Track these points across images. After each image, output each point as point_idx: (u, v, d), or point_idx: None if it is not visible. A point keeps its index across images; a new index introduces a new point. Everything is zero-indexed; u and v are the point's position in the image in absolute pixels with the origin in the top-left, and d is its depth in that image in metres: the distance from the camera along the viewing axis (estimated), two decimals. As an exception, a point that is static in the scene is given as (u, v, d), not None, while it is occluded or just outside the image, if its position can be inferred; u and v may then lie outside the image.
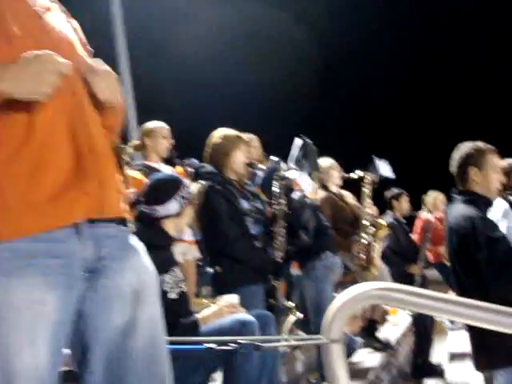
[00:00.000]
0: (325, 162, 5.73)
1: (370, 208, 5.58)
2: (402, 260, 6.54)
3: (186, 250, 4.65)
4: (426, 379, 6.37)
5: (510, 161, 4.90)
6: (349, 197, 5.91)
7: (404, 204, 6.83)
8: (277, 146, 5.51)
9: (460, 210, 3.26)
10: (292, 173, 4.43)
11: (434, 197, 8.07)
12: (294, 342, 1.77)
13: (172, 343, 2.07)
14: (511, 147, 4.77)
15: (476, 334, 3.06)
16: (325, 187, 5.69)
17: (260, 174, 4.59)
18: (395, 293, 1.65)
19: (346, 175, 5.68)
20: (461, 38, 16.49)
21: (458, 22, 16.71)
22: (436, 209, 7.97)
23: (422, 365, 6.48)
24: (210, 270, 4.19)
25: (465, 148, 3.36)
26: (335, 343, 1.67)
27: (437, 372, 6.45)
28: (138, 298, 1.52)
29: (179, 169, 5.06)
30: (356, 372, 5.01)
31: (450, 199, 3.56)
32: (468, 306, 1.60)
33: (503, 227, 3.50)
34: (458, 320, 1.71)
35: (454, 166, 3.40)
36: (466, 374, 6.11)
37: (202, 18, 15.03)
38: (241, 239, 3.73)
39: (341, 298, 1.66)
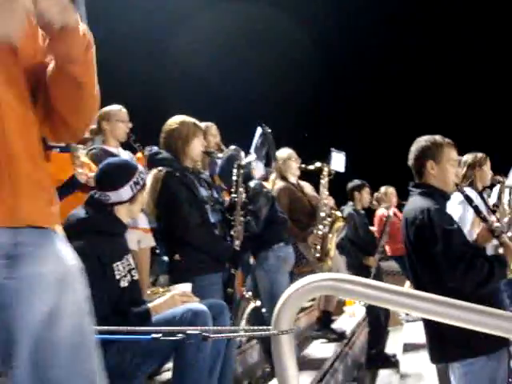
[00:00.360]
0: (283, 152, 5.72)
1: (326, 199, 5.58)
2: (359, 251, 6.57)
3: (141, 238, 4.55)
4: (380, 369, 6.45)
5: (476, 154, 4.98)
6: (307, 187, 5.88)
7: (365, 196, 6.87)
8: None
9: (416, 202, 3.26)
10: (251, 160, 4.38)
11: (384, 191, 8.12)
12: (242, 333, 1.72)
13: (119, 333, 2.01)
14: (470, 142, 4.84)
15: (431, 326, 3.07)
16: (283, 178, 5.67)
17: (219, 162, 4.52)
18: (346, 284, 1.61)
19: (304, 166, 5.68)
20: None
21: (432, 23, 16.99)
22: (390, 202, 8.03)
23: (376, 355, 6.56)
24: (165, 258, 4.12)
25: (422, 141, 3.37)
26: (284, 334, 1.63)
27: (391, 362, 6.54)
28: (62, 286, 1.45)
29: (139, 155, 4.95)
30: (311, 362, 5.03)
31: (403, 193, 3.58)
32: (419, 298, 1.57)
33: (457, 216, 3.52)
34: (408, 312, 1.69)
35: (411, 158, 3.41)
36: (420, 365, 6.21)
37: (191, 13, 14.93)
38: (201, 227, 3.65)
39: (290, 289, 1.62)
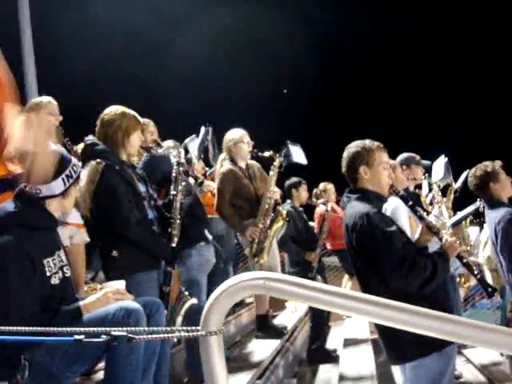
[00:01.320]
0: (235, 133, 5.49)
1: (273, 192, 5.36)
2: (300, 247, 6.59)
3: (74, 233, 4.41)
4: (320, 365, 6.48)
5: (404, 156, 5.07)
6: (258, 173, 5.57)
7: (303, 193, 6.89)
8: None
9: (355, 207, 3.28)
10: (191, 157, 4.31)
11: (323, 187, 8.15)
12: (169, 334, 1.67)
13: (41, 334, 1.92)
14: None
15: (385, 328, 3.09)
16: (232, 160, 5.46)
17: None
18: (277, 283, 1.59)
19: (256, 152, 5.41)
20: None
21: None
22: (329, 199, 8.08)
23: (317, 350, 6.59)
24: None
25: (352, 147, 3.39)
26: (213, 335, 1.59)
27: (332, 357, 6.58)
28: None
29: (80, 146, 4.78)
30: (252, 358, 5.00)
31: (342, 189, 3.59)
32: (350, 298, 1.56)
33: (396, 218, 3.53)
34: (339, 312, 1.67)
35: (344, 166, 3.43)
36: (360, 360, 6.29)
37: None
38: (141, 224, 3.54)
39: (219, 289, 1.58)
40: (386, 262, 3.08)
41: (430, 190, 6.09)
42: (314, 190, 8.26)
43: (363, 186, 3.35)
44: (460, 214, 5.70)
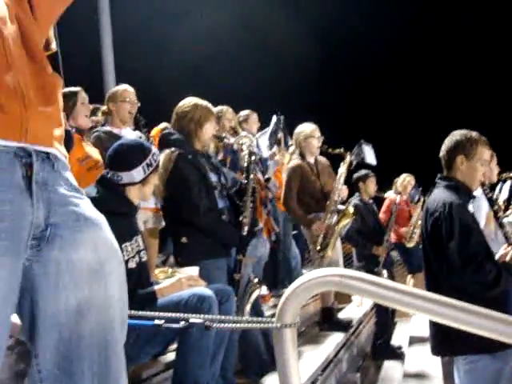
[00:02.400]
0: (307, 127, 5.50)
1: (341, 189, 5.39)
2: (367, 241, 6.53)
3: (148, 218, 4.54)
4: (385, 361, 6.44)
5: None
6: (325, 169, 5.62)
7: (370, 185, 6.79)
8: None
9: (441, 194, 3.23)
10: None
11: (403, 179, 8.11)
12: (245, 325, 1.71)
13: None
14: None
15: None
16: (301, 155, 5.49)
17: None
18: (352, 280, 1.60)
19: (327, 147, 5.47)
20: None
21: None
22: (405, 191, 8.01)
23: (382, 346, 6.54)
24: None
25: (457, 135, 3.32)
26: (288, 328, 1.62)
27: (396, 354, 6.52)
28: (94, 276, 1.37)
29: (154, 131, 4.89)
30: (316, 350, 5.02)
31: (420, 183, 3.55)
32: (425, 298, 1.55)
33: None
34: (414, 312, 1.67)
35: (443, 150, 3.36)
36: (425, 358, 6.19)
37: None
38: (210, 212, 3.63)
39: (296, 283, 1.61)
40: (457, 256, 3.02)
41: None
42: (395, 180, 8.19)
43: (455, 175, 3.29)
44: None
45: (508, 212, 5.58)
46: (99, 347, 1.38)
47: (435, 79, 17.02)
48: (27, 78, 1.34)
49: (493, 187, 5.25)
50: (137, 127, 4.68)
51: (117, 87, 4.69)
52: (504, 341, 1.53)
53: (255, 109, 5.92)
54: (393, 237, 7.97)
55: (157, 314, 1.84)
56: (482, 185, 3.36)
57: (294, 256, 6.51)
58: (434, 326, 3.22)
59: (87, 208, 1.44)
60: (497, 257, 3.21)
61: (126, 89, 4.60)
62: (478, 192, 3.57)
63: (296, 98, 16.26)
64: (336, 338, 5.44)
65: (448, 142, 3.33)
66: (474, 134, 3.31)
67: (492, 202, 3.39)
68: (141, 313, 1.88)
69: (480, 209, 3.79)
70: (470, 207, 3.36)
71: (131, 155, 3.05)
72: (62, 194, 1.39)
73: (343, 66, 16.80)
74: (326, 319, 5.71)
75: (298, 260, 6.62)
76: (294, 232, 6.77)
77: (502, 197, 5.71)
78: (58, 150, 1.42)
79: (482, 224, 3.42)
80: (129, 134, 4.55)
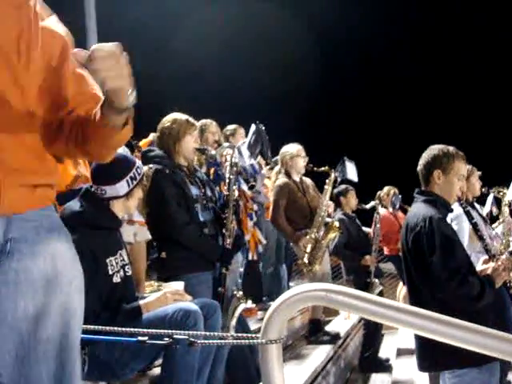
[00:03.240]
0: (292, 147, 5.67)
1: (327, 206, 5.57)
2: (354, 253, 6.53)
3: (138, 231, 4.52)
4: (372, 373, 6.42)
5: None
6: (310, 187, 5.83)
7: (351, 199, 6.84)
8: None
9: (420, 209, 3.24)
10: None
11: (387, 191, 8.13)
12: (230, 341, 1.69)
13: (105, 332, 1.98)
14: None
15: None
16: (287, 173, 5.65)
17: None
18: (338, 295, 1.58)
19: (312, 166, 5.65)
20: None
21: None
22: (388, 203, 8.03)
23: (369, 358, 6.53)
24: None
25: (434, 150, 3.34)
26: (273, 344, 1.60)
27: (384, 367, 6.51)
28: (51, 286, 1.46)
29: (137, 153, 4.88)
30: (304, 363, 4.99)
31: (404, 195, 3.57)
32: (411, 313, 1.54)
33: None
34: (400, 327, 1.66)
35: (420, 165, 3.38)
36: (413, 370, 6.18)
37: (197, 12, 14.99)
38: (189, 226, 3.61)
39: (281, 298, 1.59)
40: (440, 269, 3.01)
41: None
42: (378, 193, 8.23)
43: (433, 189, 3.31)
44: None
45: (494, 225, 5.62)
46: (56, 352, 1.46)
47: (416, 94, 17.17)
48: None
49: (478, 201, 5.29)
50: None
51: None
52: (489, 355, 1.52)
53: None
54: (386, 249, 7.99)
55: (141, 330, 1.80)
56: (459, 199, 3.37)
57: (283, 270, 6.50)
58: (420, 341, 3.21)
59: (51, 222, 1.53)
60: (478, 269, 3.22)
61: None
62: (458, 210, 3.59)
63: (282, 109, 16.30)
64: (323, 351, 5.42)
65: (425, 157, 3.35)
66: (451, 148, 3.33)
67: (470, 216, 3.41)
68: (125, 329, 1.86)
69: (462, 226, 3.81)
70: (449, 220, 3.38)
71: (115, 169, 3.02)
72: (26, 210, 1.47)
73: (321, 84, 16.89)
74: (314, 331, 5.72)
75: (285, 273, 6.60)
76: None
77: (485, 210, 5.75)
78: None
79: (466, 238, 3.43)
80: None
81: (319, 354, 5.34)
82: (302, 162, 5.64)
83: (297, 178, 5.69)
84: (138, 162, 3.17)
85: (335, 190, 6.74)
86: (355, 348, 7.09)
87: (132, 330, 1.78)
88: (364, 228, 7.21)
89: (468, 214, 3.41)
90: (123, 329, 1.81)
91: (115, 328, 1.81)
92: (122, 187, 3.01)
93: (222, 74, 15.91)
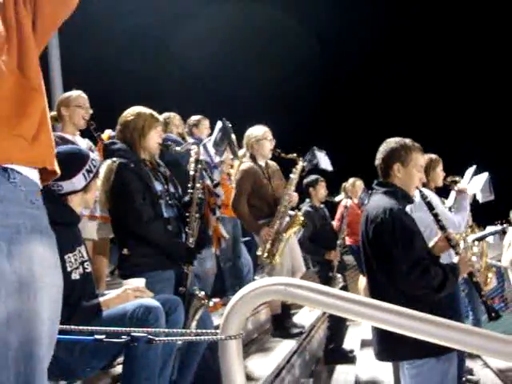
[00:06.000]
0: (259, 130, 5.40)
1: (292, 196, 5.32)
2: (320, 247, 6.54)
3: (101, 227, 4.46)
4: (337, 365, 6.47)
5: (431, 155, 4.99)
6: (276, 173, 5.54)
7: (321, 190, 6.78)
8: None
9: (380, 200, 3.25)
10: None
11: (352, 183, 8.20)
12: (188, 337, 1.66)
13: (62, 331, 1.93)
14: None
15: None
16: (252, 157, 5.39)
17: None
18: (297, 289, 1.57)
19: (279, 151, 5.35)
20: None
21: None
22: (355, 194, 8.11)
23: (334, 350, 6.57)
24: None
25: (392, 143, 3.35)
26: (232, 339, 1.58)
27: (348, 358, 6.56)
28: (25, 290, 1.37)
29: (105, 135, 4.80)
30: (269, 356, 4.99)
31: (368, 186, 3.57)
32: (369, 306, 1.54)
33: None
34: (358, 320, 1.66)
35: (378, 158, 3.39)
36: (377, 361, 6.25)
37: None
38: (154, 221, 3.51)
39: (239, 294, 1.57)
40: (401, 260, 3.03)
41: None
42: (343, 184, 8.26)
43: (392, 182, 3.33)
44: (484, 232, 5.71)
45: None
46: (25, 359, 1.38)
47: (380, 85, 17.41)
48: None
49: (439, 191, 5.35)
50: (87, 131, 4.59)
51: (70, 92, 4.59)
52: (448, 346, 1.53)
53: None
54: (348, 240, 8.04)
55: (98, 329, 1.76)
56: (420, 191, 3.40)
57: (246, 263, 6.45)
58: (378, 332, 3.23)
59: (35, 224, 1.44)
60: (430, 244, 3.25)
61: (80, 94, 4.53)
62: (419, 200, 3.61)
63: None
64: (288, 344, 5.43)
65: (383, 151, 3.37)
66: (408, 141, 3.35)
67: (430, 206, 3.44)
68: (82, 327, 1.82)
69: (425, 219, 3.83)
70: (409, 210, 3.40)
71: (69, 163, 2.94)
72: (8, 205, 1.38)
73: (296, 76, 16.99)
74: (278, 326, 5.67)
75: (250, 267, 6.57)
76: (247, 238, 6.72)
77: (449, 203, 5.83)
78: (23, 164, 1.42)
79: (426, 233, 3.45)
80: (80, 141, 4.46)
81: (284, 347, 5.34)
82: (268, 146, 5.36)
83: (262, 162, 5.42)
84: (92, 154, 3.10)
85: (305, 181, 6.67)
86: (320, 340, 7.14)
87: (89, 328, 1.73)
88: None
89: (429, 204, 3.44)
90: (80, 327, 1.76)
91: (71, 326, 1.77)
92: (78, 181, 2.94)
93: (221, 75, 15.87)
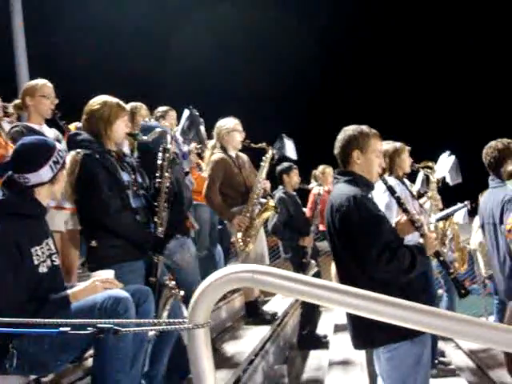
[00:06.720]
0: (229, 122, 5.50)
1: (263, 183, 5.42)
2: (293, 233, 6.56)
3: (69, 219, 4.39)
4: (311, 350, 6.51)
5: (395, 143, 5.04)
6: (247, 164, 5.68)
7: (294, 178, 6.84)
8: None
9: (342, 189, 3.26)
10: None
11: (322, 170, 8.23)
12: (155, 327, 1.65)
13: (26, 325, 1.90)
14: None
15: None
16: (223, 148, 5.50)
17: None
18: (264, 276, 1.57)
19: (249, 142, 5.47)
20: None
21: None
22: (326, 182, 8.14)
23: (307, 336, 6.62)
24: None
25: (349, 130, 3.37)
26: (200, 328, 1.57)
27: (322, 343, 6.61)
28: None
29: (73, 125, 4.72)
30: (243, 344, 5.01)
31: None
32: (338, 291, 1.54)
33: (382, 204, 3.53)
34: (327, 305, 1.66)
35: (337, 147, 3.40)
36: (350, 345, 6.31)
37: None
38: (122, 212, 3.46)
39: (206, 282, 1.56)
40: (369, 247, 3.05)
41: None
42: (313, 172, 8.28)
43: (353, 170, 3.34)
44: (447, 211, 5.79)
45: (423, 200, 5.77)
46: None
47: (352, 75, 17.58)
48: None
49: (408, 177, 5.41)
50: (53, 120, 4.51)
51: (35, 81, 4.49)
52: (420, 330, 1.54)
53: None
54: (322, 226, 8.08)
55: (63, 321, 1.73)
56: (380, 176, 3.42)
57: (217, 251, 6.46)
58: (353, 320, 3.26)
59: None
60: (393, 223, 3.28)
61: (45, 84, 4.45)
62: (381, 187, 3.64)
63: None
64: (262, 331, 5.45)
65: (341, 139, 3.38)
66: (365, 127, 3.37)
67: (392, 191, 3.46)
68: (48, 320, 1.79)
69: (390, 204, 3.86)
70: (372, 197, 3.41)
71: (36, 155, 2.89)
72: None
73: (263, 62, 17.02)
74: (251, 313, 5.70)
75: (221, 255, 6.58)
76: (219, 227, 6.71)
77: (416, 187, 5.90)
78: None
79: (393, 217, 3.48)
80: (47, 131, 4.38)
81: (258, 334, 5.36)
82: (238, 137, 5.48)
83: (233, 153, 5.55)
84: (59, 145, 3.03)
85: (278, 168, 6.74)
86: (294, 326, 7.18)
87: (52, 320, 1.70)
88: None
89: (390, 188, 3.47)
90: (43, 320, 1.73)
91: (37, 320, 1.74)
92: (45, 173, 2.88)
93: (221, 73, 15.79)
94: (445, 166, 5.92)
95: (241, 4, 15.63)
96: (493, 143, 4.48)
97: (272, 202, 5.43)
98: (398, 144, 5.02)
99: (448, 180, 5.91)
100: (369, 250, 3.03)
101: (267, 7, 16.43)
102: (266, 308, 6.31)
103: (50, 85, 4.45)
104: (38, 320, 1.84)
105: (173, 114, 5.75)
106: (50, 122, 4.59)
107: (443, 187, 6.05)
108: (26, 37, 9.07)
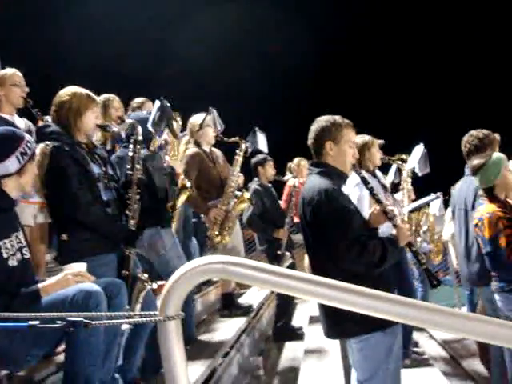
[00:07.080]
0: (201, 117, 5.55)
1: (237, 176, 5.50)
2: (268, 225, 6.56)
3: (38, 212, 4.32)
4: (286, 342, 6.53)
5: (364, 137, 5.07)
6: (220, 158, 5.76)
7: (269, 169, 6.83)
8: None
9: (315, 181, 3.24)
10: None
11: (297, 163, 8.23)
12: (126, 320, 1.62)
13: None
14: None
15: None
16: (197, 143, 5.58)
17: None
18: (236, 267, 1.55)
19: (221, 137, 5.52)
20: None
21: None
22: (301, 174, 8.14)
23: (283, 328, 6.63)
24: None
25: (322, 121, 3.34)
26: (171, 320, 1.55)
27: (297, 335, 6.62)
28: None
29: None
30: (218, 336, 5.00)
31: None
32: (310, 282, 1.53)
33: (354, 197, 3.53)
34: (300, 296, 1.65)
35: (310, 138, 3.38)
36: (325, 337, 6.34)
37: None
38: (92, 205, 3.40)
39: (178, 273, 1.54)
40: (339, 240, 3.04)
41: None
42: (288, 164, 8.28)
43: (326, 161, 3.32)
44: (419, 201, 5.85)
45: (397, 194, 5.82)
46: None
47: (323, 67, 17.67)
48: None
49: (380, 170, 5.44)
50: (25, 109, 4.43)
51: (4, 70, 4.40)
52: (394, 320, 1.54)
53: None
54: (296, 218, 8.08)
55: (32, 315, 1.69)
56: (353, 166, 3.41)
57: (193, 245, 6.43)
58: (324, 310, 3.26)
59: None
60: (366, 215, 3.29)
61: (15, 72, 4.36)
62: (356, 177, 3.64)
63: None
64: (237, 324, 5.45)
65: (314, 130, 3.36)
66: (338, 117, 3.36)
67: (365, 181, 3.47)
68: (17, 314, 1.75)
69: (362, 193, 3.87)
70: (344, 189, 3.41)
71: (2, 145, 2.83)
72: None
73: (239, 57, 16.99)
74: (227, 304, 5.72)
75: (196, 248, 6.54)
76: (194, 220, 6.68)
77: (388, 179, 5.93)
78: None
79: (367, 204, 3.48)
80: (18, 121, 4.31)
81: (233, 326, 5.36)
82: (211, 132, 5.55)
83: (207, 148, 5.63)
84: (28, 137, 2.97)
85: (253, 160, 6.75)
86: (269, 318, 7.19)
87: (20, 314, 1.66)
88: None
89: (363, 179, 3.47)
90: (11, 314, 1.69)
91: (5, 314, 1.70)
92: (12, 164, 2.82)
93: (219, 75, 15.70)
94: (414, 157, 5.98)
95: (241, 4, 15.59)
96: (473, 132, 4.55)
97: (247, 195, 5.53)
98: (367, 137, 5.05)
99: (417, 170, 5.96)
100: (339, 243, 3.03)
101: (267, 7, 16.43)
102: (242, 300, 6.32)
103: (19, 73, 4.37)
104: (6, 314, 1.81)
105: (149, 105, 5.69)
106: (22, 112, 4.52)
107: (416, 178, 6.10)
108: (27, 36, 8.90)
